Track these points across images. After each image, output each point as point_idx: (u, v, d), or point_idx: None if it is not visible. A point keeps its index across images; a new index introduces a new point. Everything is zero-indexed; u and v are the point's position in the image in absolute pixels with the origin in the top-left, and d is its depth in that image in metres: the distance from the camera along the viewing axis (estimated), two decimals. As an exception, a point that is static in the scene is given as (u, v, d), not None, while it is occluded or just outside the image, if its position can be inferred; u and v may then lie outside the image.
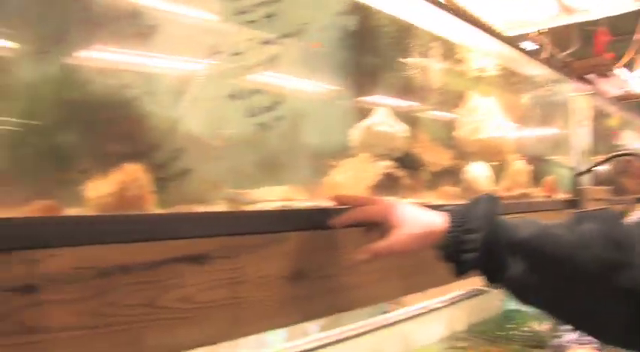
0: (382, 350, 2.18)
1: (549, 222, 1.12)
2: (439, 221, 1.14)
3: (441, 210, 1.18)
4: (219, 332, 1.03)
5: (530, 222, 1.12)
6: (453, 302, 2.62)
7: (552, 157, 2.88)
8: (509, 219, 1.14)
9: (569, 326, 2.03)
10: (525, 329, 2.64)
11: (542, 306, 1.15)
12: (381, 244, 1.15)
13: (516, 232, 1.10)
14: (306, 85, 1.65)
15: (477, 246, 1.09)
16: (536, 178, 2.65)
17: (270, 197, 1.27)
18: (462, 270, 1.14)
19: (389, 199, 1.43)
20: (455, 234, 1.12)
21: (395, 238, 1.14)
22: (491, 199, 1.15)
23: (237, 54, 1.17)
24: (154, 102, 1.05)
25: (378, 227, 1.21)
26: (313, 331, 2.51)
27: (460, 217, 1.13)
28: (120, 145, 0.99)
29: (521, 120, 2.64)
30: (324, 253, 1.27)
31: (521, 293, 1.12)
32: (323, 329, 2.37)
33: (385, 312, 2.73)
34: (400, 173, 1.63)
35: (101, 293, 0.87)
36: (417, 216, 1.16)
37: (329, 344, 1.94)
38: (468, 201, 1.17)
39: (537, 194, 2.56)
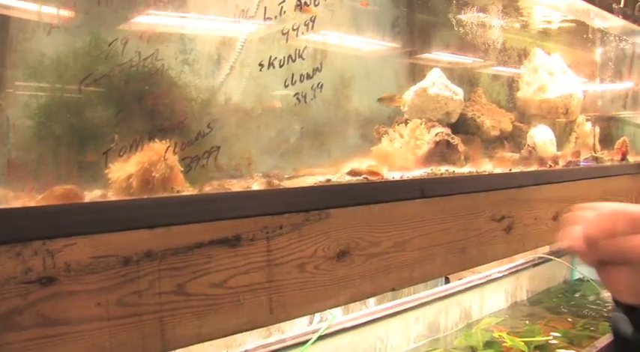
0: (441, 323, 2.11)
1: None
2: None
3: None
4: (253, 318, 0.97)
5: None
6: (515, 271, 2.50)
7: (626, 116, 2.68)
8: None
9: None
10: (592, 299, 2.50)
11: None
12: None
13: None
14: (353, 46, 1.55)
15: None
16: (608, 140, 2.47)
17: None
18: None
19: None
20: None
21: None
22: None
23: (274, 17, 1.07)
24: (184, 73, 0.98)
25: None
26: (370, 303, 2.45)
27: None
28: (146, 121, 0.92)
29: (591, 77, 2.45)
30: (369, 229, 1.19)
31: None
32: (379, 301, 2.31)
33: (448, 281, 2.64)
34: (455, 140, 1.51)
35: (125, 282, 0.82)
36: None
37: (387, 316, 1.88)
38: None
39: (609, 157, 2.39)
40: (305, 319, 2.23)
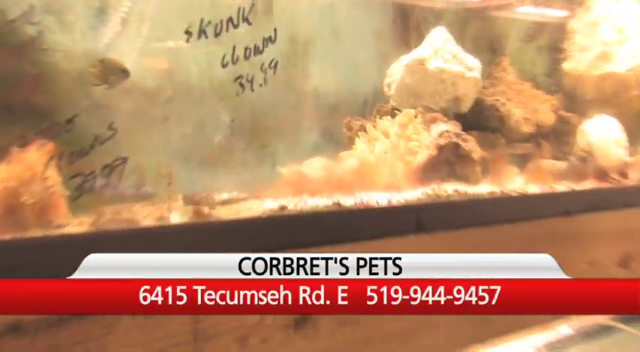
0: None
1: None
2: None
3: None
4: None
5: None
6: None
7: None
8: None
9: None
10: None
11: None
12: None
13: None
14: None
15: None
16: None
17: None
18: None
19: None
20: None
21: None
22: None
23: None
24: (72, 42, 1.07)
25: None
26: None
27: None
28: (16, 119, 1.02)
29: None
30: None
31: None
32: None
33: None
34: (468, 143, 1.62)
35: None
36: None
37: None
38: None
39: None
40: None
